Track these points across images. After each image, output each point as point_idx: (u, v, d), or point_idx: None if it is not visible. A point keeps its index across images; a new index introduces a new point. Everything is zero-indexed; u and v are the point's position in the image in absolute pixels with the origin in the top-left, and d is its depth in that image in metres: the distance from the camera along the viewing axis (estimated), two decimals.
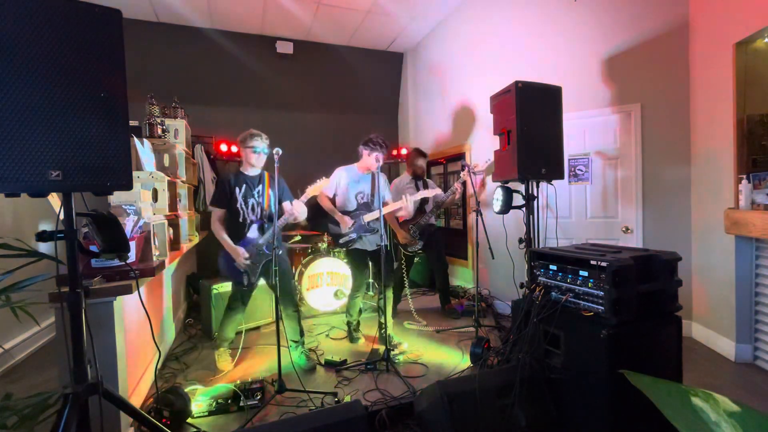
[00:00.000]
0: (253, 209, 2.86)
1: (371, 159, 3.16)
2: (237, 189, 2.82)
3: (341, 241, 3.26)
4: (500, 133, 2.78)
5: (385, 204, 3.18)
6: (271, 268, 2.75)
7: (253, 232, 2.85)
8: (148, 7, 4.53)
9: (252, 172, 2.91)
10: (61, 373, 1.89)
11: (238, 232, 2.83)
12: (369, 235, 3.24)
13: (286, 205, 2.89)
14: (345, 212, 3.23)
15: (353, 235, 3.21)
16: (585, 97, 3.59)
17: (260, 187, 2.89)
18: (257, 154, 2.84)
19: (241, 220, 2.82)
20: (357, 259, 3.32)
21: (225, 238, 2.79)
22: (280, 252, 2.87)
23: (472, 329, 3.42)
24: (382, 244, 2.90)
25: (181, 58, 5.14)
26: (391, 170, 6.44)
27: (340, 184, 3.26)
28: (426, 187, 4.10)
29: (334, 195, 3.28)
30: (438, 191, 3.78)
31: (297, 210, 2.82)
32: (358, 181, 3.28)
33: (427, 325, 3.78)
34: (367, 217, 3.17)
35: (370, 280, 4.64)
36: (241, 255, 2.77)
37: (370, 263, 3.45)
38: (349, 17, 4.94)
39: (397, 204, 3.19)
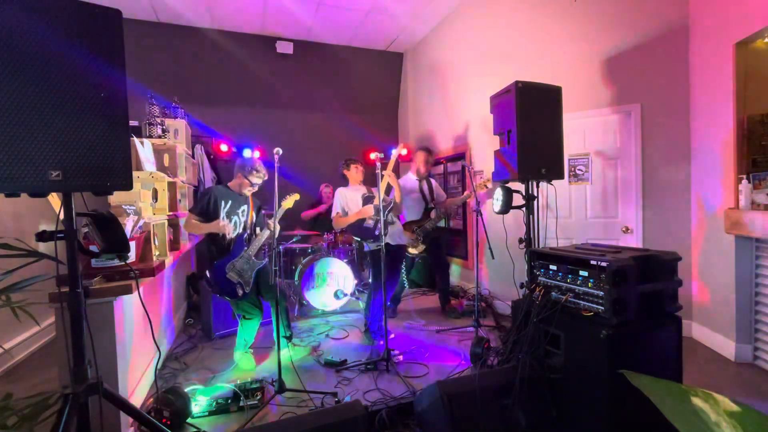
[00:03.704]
0: (236, 225, 2.95)
1: (352, 173, 3.56)
2: (222, 203, 2.89)
3: (371, 237, 3.38)
4: (500, 133, 2.78)
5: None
6: (263, 277, 3.01)
7: (239, 245, 2.93)
8: (148, 7, 4.53)
9: (240, 192, 3.03)
10: (61, 373, 1.89)
11: (222, 246, 2.88)
12: (389, 228, 3.44)
13: (267, 220, 3.06)
14: (360, 219, 3.40)
15: (379, 224, 3.28)
16: (585, 97, 3.59)
17: (245, 206, 3.03)
18: (252, 187, 3.01)
19: (221, 235, 2.86)
20: (376, 258, 3.39)
21: (205, 225, 2.81)
22: (265, 262, 3.01)
23: (472, 329, 3.42)
24: (381, 244, 2.95)
25: (181, 58, 5.14)
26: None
27: (346, 201, 3.49)
28: (431, 189, 4.10)
29: (346, 213, 3.47)
30: (443, 196, 4.00)
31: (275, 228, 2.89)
32: (358, 190, 3.56)
33: (426, 324, 3.78)
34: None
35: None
36: (226, 227, 2.81)
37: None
38: (349, 17, 4.94)
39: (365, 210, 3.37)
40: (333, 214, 3.48)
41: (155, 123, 3.50)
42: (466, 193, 3.92)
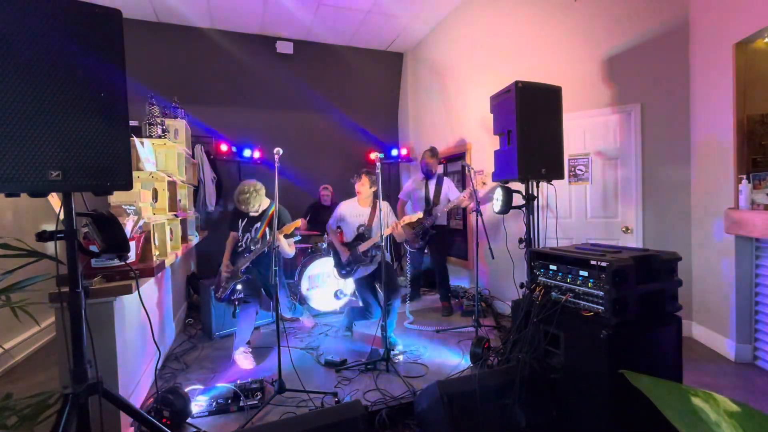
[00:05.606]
0: (246, 242, 3.27)
1: (357, 187, 3.32)
2: (239, 221, 3.29)
3: (343, 271, 3.43)
4: (500, 133, 2.78)
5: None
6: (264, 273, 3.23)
7: (241, 257, 3.21)
8: (148, 7, 4.53)
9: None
10: (61, 373, 1.89)
11: (236, 254, 3.28)
12: (365, 265, 3.34)
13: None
14: (346, 243, 3.40)
15: (351, 266, 3.37)
16: (585, 97, 3.59)
17: (259, 224, 3.25)
18: (246, 210, 3.20)
19: (238, 244, 3.29)
20: (361, 287, 3.43)
21: (225, 255, 3.28)
22: (251, 277, 3.22)
23: (472, 329, 3.42)
24: (382, 255, 3.00)
25: (181, 58, 5.13)
26: (390, 172, 6.45)
27: (344, 219, 3.42)
28: (439, 187, 4.12)
29: (339, 228, 3.49)
30: (455, 195, 3.99)
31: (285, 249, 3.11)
32: (359, 215, 3.39)
33: (426, 324, 3.78)
34: (362, 247, 3.28)
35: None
36: (224, 270, 3.23)
37: (376, 284, 3.46)
38: (349, 17, 4.94)
39: (388, 230, 3.18)
40: (330, 221, 3.47)
41: (155, 123, 3.50)
42: (464, 194, 3.84)
